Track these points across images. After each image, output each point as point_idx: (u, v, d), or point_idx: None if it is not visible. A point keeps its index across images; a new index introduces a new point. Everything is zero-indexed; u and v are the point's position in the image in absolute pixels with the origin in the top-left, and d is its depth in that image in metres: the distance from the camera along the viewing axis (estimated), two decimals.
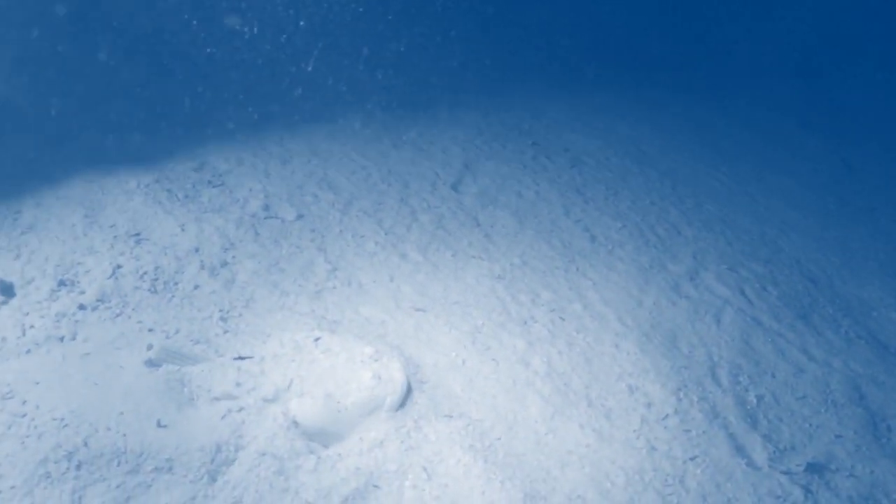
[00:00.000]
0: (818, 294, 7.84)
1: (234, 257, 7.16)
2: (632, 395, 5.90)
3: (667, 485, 5.13)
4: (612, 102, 13.55)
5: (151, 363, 5.52)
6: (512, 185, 9.45)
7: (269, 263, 7.14)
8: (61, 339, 5.81)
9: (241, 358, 5.65)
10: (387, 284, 7.02)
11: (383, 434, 5.17)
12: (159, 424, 5.03)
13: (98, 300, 6.29)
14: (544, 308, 6.92)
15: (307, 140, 10.12)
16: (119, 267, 6.74)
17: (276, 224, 7.83)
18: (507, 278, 7.33)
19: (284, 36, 11.33)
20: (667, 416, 5.72)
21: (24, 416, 4.97)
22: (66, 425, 4.91)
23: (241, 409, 5.20)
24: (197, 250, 7.17)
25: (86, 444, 4.79)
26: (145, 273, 6.72)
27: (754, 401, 6.04)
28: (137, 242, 7.17)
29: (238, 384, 5.38)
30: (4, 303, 6.15)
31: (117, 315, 6.18)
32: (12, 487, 4.48)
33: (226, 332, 6.08)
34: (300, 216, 8.03)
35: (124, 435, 4.90)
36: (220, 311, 6.36)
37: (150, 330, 6.03)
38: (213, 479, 4.77)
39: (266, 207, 8.11)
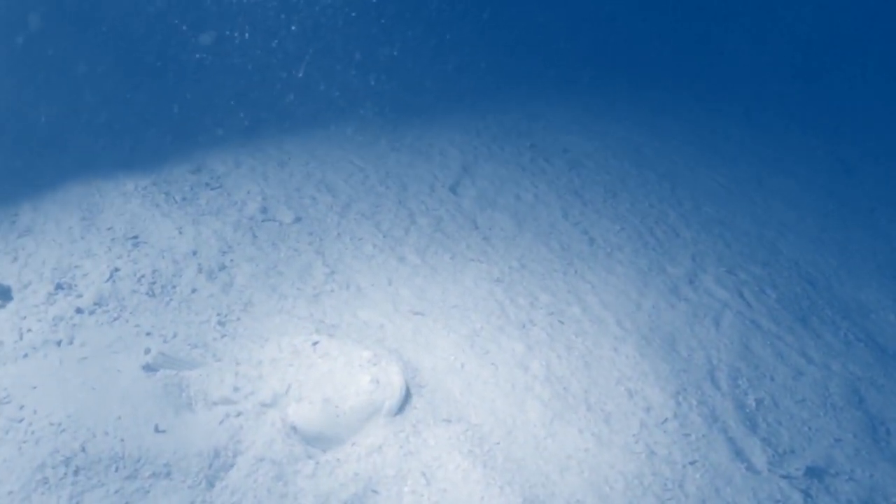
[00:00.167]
0: (817, 296, 7.84)
1: (231, 260, 7.14)
2: (631, 399, 5.89)
3: (666, 489, 5.12)
4: (610, 104, 13.53)
5: (149, 368, 5.51)
6: (510, 187, 9.43)
7: (267, 267, 7.12)
8: (58, 343, 5.79)
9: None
10: (385, 288, 7.01)
11: (382, 439, 5.16)
12: (157, 429, 5.02)
13: (95, 304, 6.28)
14: (543, 311, 6.90)
15: (305, 142, 10.10)
16: (116, 270, 6.73)
17: (273, 227, 7.82)
18: (505, 281, 7.31)
19: (276, 41, 11.28)
20: (666, 420, 5.71)
21: (22, 420, 4.96)
22: (63, 430, 4.90)
23: (239, 414, 5.19)
24: (195, 253, 7.16)
25: (83, 450, 4.78)
26: (143, 276, 6.71)
27: (753, 404, 6.03)
28: (135, 245, 7.15)
29: (236, 389, 5.36)
30: (1, 306, 6.14)
31: (115, 319, 6.16)
32: (10, 493, 4.47)
33: (223, 336, 6.06)
34: (298, 219, 8.02)
35: (122, 440, 4.89)
36: (218, 314, 6.35)
37: (147, 334, 6.01)
38: (212, 485, 4.76)
39: (264, 210, 8.10)
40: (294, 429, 5.12)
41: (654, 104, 13.88)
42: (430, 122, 11.40)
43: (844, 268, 8.60)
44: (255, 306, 6.54)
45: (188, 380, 5.44)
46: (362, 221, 8.13)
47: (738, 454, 5.49)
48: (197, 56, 10.34)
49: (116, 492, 4.60)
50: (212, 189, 8.44)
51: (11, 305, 6.16)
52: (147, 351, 5.68)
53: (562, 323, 6.76)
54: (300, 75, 11.11)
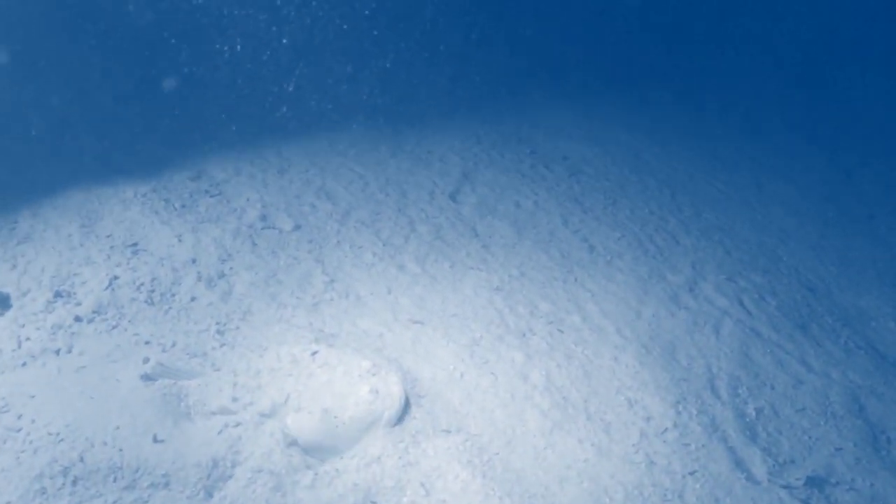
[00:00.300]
0: (817, 304, 7.82)
1: (231, 269, 7.14)
2: (631, 408, 5.87)
3: (666, 500, 5.11)
4: (610, 112, 13.52)
5: (148, 377, 5.50)
6: (510, 194, 9.43)
7: (266, 275, 7.11)
8: (57, 351, 5.79)
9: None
10: (384, 296, 6.99)
11: (381, 449, 5.15)
12: (156, 439, 5.01)
13: (94, 312, 6.27)
14: (543, 320, 6.89)
15: (304, 150, 10.10)
16: (116, 278, 6.72)
17: (273, 235, 7.81)
18: (505, 290, 7.30)
19: (267, 53, 11.26)
20: (666, 429, 5.69)
21: (20, 430, 4.95)
22: (61, 440, 4.89)
23: (237, 424, 5.18)
24: (194, 261, 7.15)
25: (82, 459, 4.77)
26: (142, 284, 6.70)
27: (753, 413, 6.02)
28: (134, 253, 7.15)
29: (234, 399, 5.36)
30: (0, 314, 6.13)
31: (114, 327, 6.16)
32: (8, 503, 4.46)
33: (222, 345, 6.05)
34: (298, 227, 8.01)
35: (120, 450, 4.88)
36: (217, 323, 6.34)
37: (146, 342, 6.00)
38: (210, 495, 4.75)
39: (263, 218, 8.09)
40: (293, 439, 5.11)
41: (654, 111, 13.88)
42: (430, 130, 11.38)
43: (844, 275, 8.59)
44: (254, 315, 6.53)
45: (187, 389, 5.43)
46: (362, 229, 8.12)
47: (738, 464, 5.48)
48: (186, 70, 10.32)
49: (115, 502, 4.60)
50: (211, 196, 8.43)
51: (10, 313, 6.16)
52: (146, 360, 5.67)
53: (561, 332, 6.75)
54: (291, 89, 11.09)
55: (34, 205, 7.79)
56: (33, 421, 5.02)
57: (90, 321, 6.18)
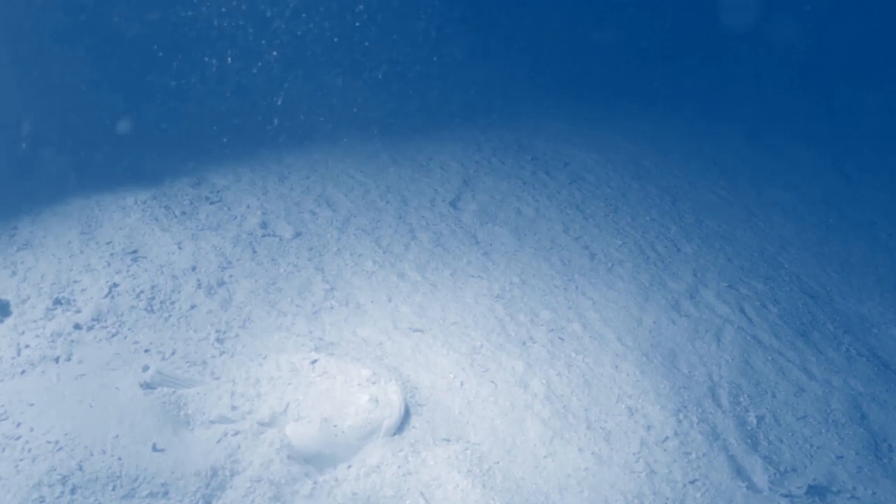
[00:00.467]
0: (818, 311, 7.80)
1: (231, 276, 7.13)
2: (631, 417, 5.85)
3: None
4: (611, 118, 13.54)
5: (147, 385, 5.48)
6: (511, 201, 9.42)
7: (266, 283, 7.11)
8: (56, 359, 5.78)
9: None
10: (385, 304, 6.98)
11: (380, 458, 5.13)
12: (155, 448, 4.99)
13: (94, 319, 6.27)
14: (543, 328, 6.88)
15: (305, 156, 10.11)
16: (115, 285, 6.72)
17: (273, 242, 7.81)
18: (506, 298, 7.29)
19: (258, 65, 11.25)
20: (666, 438, 5.67)
21: (19, 438, 4.94)
22: (60, 448, 4.87)
23: (236, 433, 5.16)
24: (194, 269, 7.14)
25: (80, 468, 4.75)
26: (142, 292, 6.70)
27: (755, 421, 5.99)
28: (134, 260, 7.14)
29: (234, 407, 5.34)
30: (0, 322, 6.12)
31: (113, 335, 6.15)
32: None
33: (222, 353, 6.04)
34: (298, 234, 8.00)
35: (119, 458, 4.86)
36: (217, 331, 6.33)
37: (146, 350, 5.99)
38: None
39: (264, 225, 8.08)
40: (292, 448, 5.09)
41: (655, 118, 13.88)
42: (427, 139, 11.37)
43: (846, 281, 8.57)
44: (253, 323, 6.52)
45: (186, 398, 5.41)
46: (362, 237, 8.12)
47: (739, 472, 5.45)
48: (173, 84, 10.31)
49: None
50: (211, 203, 8.43)
51: (9, 321, 6.15)
52: (145, 368, 5.66)
53: (562, 340, 6.73)
54: (279, 102, 11.07)
55: (34, 211, 7.80)
56: (32, 429, 5.00)
57: (90, 329, 6.17)
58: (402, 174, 9.85)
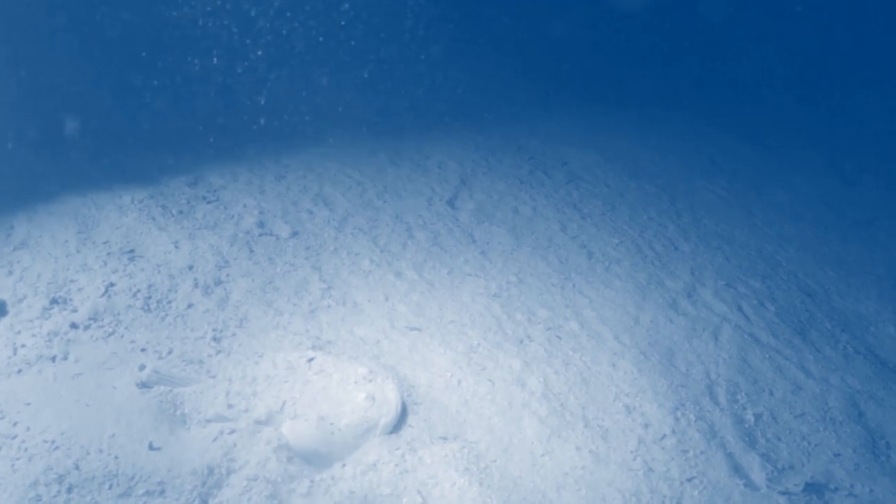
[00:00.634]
0: (816, 309, 7.80)
1: (227, 275, 7.12)
2: (629, 415, 5.85)
3: None
4: (609, 118, 13.54)
5: (143, 384, 5.47)
6: (508, 200, 9.42)
7: (263, 282, 7.10)
8: (53, 358, 5.76)
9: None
10: (382, 303, 6.97)
11: (377, 456, 5.12)
12: (151, 447, 4.99)
13: (91, 319, 6.25)
14: (541, 327, 6.87)
15: (302, 155, 10.10)
16: (112, 285, 6.70)
17: (270, 241, 7.80)
18: (503, 296, 7.28)
19: (244, 65, 11.22)
20: (664, 436, 5.66)
21: (15, 437, 4.93)
22: (57, 447, 4.87)
23: (233, 432, 5.15)
24: (191, 268, 7.13)
25: (77, 467, 4.75)
26: (138, 291, 6.68)
27: (752, 419, 5.99)
28: (131, 260, 7.13)
29: (230, 406, 5.33)
30: None
31: (110, 334, 6.13)
32: None
33: (219, 352, 6.03)
34: (295, 233, 8.00)
35: (116, 457, 4.86)
36: (214, 330, 6.32)
37: (142, 350, 5.98)
38: (205, 503, 4.72)
39: (261, 224, 8.07)
40: (288, 446, 5.08)
41: (653, 118, 13.88)
42: (416, 139, 11.36)
43: (843, 280, 8.57)
44: (250, 322, 6.51)
45: (182, 396, 5.40)
46: (359, 236, 8.11)
47: (737, 470, 5.45)
48: (154, 83, 10.28)
49: None
50: (208, 202, 8.42)
51: (6, 320, 6.14)
52: (142, 367, 5.65)
53: (559, 338, 6.73)
54: (262, 102, 11.05)
55: (30, 211, 7.78)
56: (29, 428, 5.00)
57: (86, 328, 6.16)
58: (399, 173, 9.85)
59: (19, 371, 5.60)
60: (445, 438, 5.42)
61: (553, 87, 15.06)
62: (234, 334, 6.31)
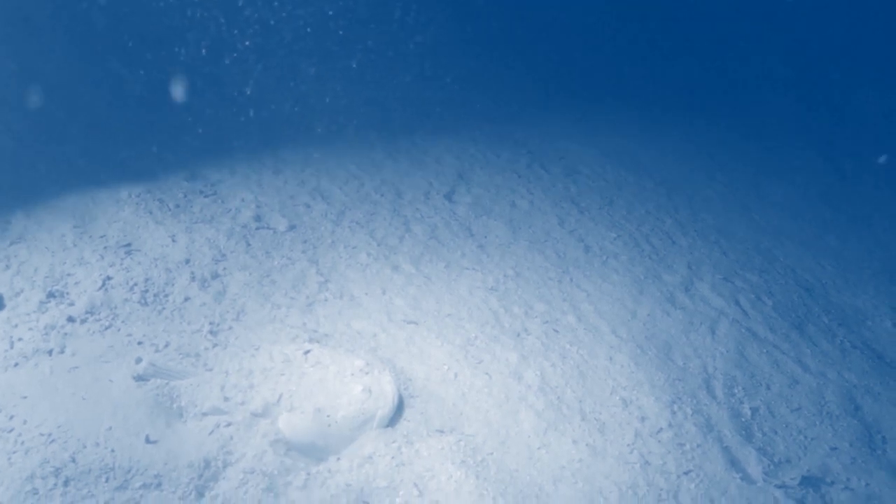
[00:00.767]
0: (813, 303, 7.80)
1: (224, 269, 7.11)
2: (626, 408, 5.85)
3: (661, 500, 5.08)
4: (607, 113, 13.54)
5: (140, 377, 5.47)
6: (506, 194, 9.41)
7: (260, 275, 7.09)
8: (50, 352, 5.76)
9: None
10: (379, 297, 6.97)
11: (374, 449, 5.11)
12: (148, 440, 4.98)
13: (87, 312, 6.25)
14: (538, 320, 6.87)
15: (300, 149, 10.09)
16: (109, 278, 6.69)
17: (267, 235, 7.79)
18: (500, 290, 7.28)
19: (232, 55, 11.17)
20: (661, 429, 5.66)
21: (11, 430, 4.92)
22: (53, 440, 4.86)
23: (229, 424, 5.14)
24: (188, 262, 7.13)
25: (73, 460, 4.74)
26: (135, 285, 6.68)
27: (749, 413, 5.99)
28: (128, 253, 7.12)
29: (226, 399, 5.32)
30: None
31: (106, 328, 6.13)
32: None
33: (215, 345, 6.02)
34: (292, 227, 7.99)
35: (112, 450, 4.85)
36: (210, 323, 6.31)
37: (139, 343, 5.97)
38: (202, 496, 4.72)
39: (258, 218, 8.07)
40: (285, 439, 5.08)
41: (653, 116, 13.89)
42: (416, 128, 11.35)
43: (840, 275, 8.57)
44: (247, 315, 6.50)
45: (179, 389, 5.40)
46: (357, 230, 8.10)
47: (734, 464, 5.45)
48: (142, 72, 10.24)
49: (106, 503, 4.56)
50: (205, 196, 8.41)
51: (3, 314, 6.13)
52: (138, 360, 5.64)
53: (556, 332, 6.73)
54: (248, 92, 11.01)
55: (27, 205, 7.77)
56: (25, 421, 4.99)
57: (83, 322, 6.15)
58: (396, 167, 9.84)
59: (16, 364, 5.59)
60: (442, 431, 5.41)
61: (550, 82, 15.05)
62: (230, 327, 6.30)
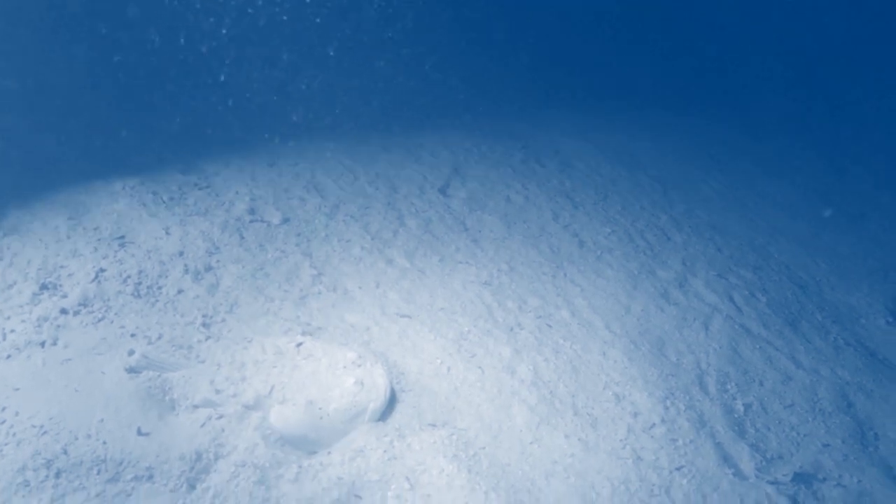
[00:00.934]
0: (807, 301, 7.81)
1: (218, 261, 7.10)
2: (618, 403, 5.85)
3: (653, 495, 5.08)
4: (603, 108, 13.54)
5: (132, 369, 5.46)
6: (500, 188, 9.41)
7: (253, 268, 7.08)
8: (42, 344, 5.74)
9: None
10: (372, 290, 6.97)
11: (366, 442, 5.11)
12: (140, 432, 4.97)
13: (80, 304, 6.23)
14: (531, 315, 6.87)
15: (294, 142, 10.07)
16: (102, 270, 6.68)
17: (261, 228, 7.78)
18: (494, 284, 7.28)
19: (207, 44, 11.10)
20: (653, 425, 5.67)
21: (3, 422, 4.91)
22: (45, 432, 4.84)
23: (221, 417, 5.13)
24: (181, 254, 7.11)
25: (65, 452, 4.73)
26: (129, 277, 6.66)
27: (742, 409, 6.00)
28: (121, 246, 7.11)
29: (218, 391, 5.31)
30: None
31: (99, 320, 6.11)
32: None
33: (208, 337, 6.01)
34: (286, 220, 7.98)
35: (104, 442, 4.84)
36: (203, 316, 6.30)
37: (132, 335, 5.96)
38: (193, 488, 4.71)
39: (252, 211, 8.05)
40: (277, 431, 5.07)
41: (648, 110, 13.91)
42: (418, 122, 11.35)
43: (835, 272, 8.58)
44: (240, 308, 6.49)
45: (171, 382, 5.39)
46: (351, 223, 8.09)
47: (726, 460, 5.45)
48: (116, 59, 10.17)
49: (98, 495, 4.55)
50: (200, 189, 8.40)
51: None
52: (131, 352, 5.63)
53: (550, 326, 6.72)
54: (222, 79, 10.95)
55: (21, 198, 7.75)
56: (17, 413, 4.97)
57: (76, 313, 6.13)
58: (391, 160, 9.83)
59: (8, 356, 5.57)
60: (434, 425, 5.41)
61: (550, 82, 15.06)
62: (223, 320, 6.29)
